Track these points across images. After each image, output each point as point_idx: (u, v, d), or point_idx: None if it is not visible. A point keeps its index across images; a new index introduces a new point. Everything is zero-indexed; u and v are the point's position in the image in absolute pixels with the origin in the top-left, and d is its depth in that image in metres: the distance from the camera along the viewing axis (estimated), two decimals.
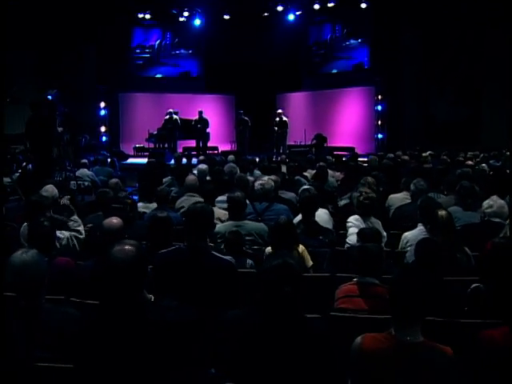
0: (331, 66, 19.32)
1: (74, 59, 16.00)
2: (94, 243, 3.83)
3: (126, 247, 2.32)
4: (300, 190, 5.38)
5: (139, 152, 16.95)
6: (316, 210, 4.70)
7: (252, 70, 18.32)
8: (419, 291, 2.22)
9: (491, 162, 10.95)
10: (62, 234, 4.29)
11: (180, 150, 15.91)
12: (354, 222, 4.60)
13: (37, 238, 3.58)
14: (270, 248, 4.04)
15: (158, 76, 19.73)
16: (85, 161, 10.13)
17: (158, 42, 19.64)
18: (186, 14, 18.13)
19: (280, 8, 17.51)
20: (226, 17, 17.88)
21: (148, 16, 17.96)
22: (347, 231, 4.63)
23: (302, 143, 17.29)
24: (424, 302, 2.23)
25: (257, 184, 5.40)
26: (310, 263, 4.08)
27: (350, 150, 16.20)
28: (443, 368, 2.21)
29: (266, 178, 5.60)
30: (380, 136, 17.17)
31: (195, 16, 18.30)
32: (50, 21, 15.20)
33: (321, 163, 8.19)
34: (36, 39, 15.46)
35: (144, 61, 19.68)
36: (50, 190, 5.48)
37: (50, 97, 8.42)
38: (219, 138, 18.18)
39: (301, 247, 4.06)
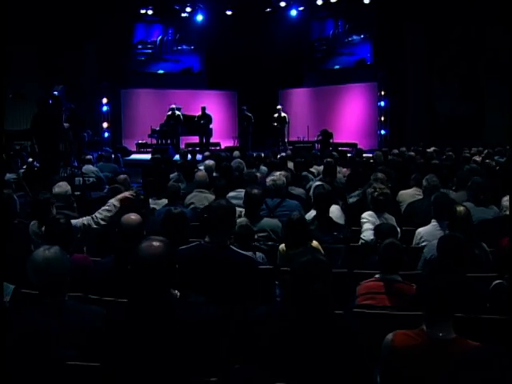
0: (333, 62, 19.28)
1: (75, 55, 15.93)
2: (111, 239, 3.80)
3: (155, 243, 2.29)
4: (313, 186, 5.36)
5: (142, 148, 16.91)
6: (330, 205, 4.68)
7: (254, 65, 18.27)
8: (451, 287, 2.20)
9: (496, 157, 10.93)
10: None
11: (182, 146, 15.88)
12: (368, 218, 4.58)
13: (54, 235, 3.55)
14: (283, 245, 4.02)
15: (160, 72, 19.67)
16: (90, 157, 10.10)
17: (159, 38, 19.57)
18: (188, 9, 18.06)
19: (283, 3, 17.46)
20: (229, 12, 17.81)
21: (150, 12, 17.89)
22: (361, 227, 4.61)
23: (305, 139, 17.27)
24: (456, 298, 2.21)
25: (268, 180, 5.38)
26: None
27: (353, 145, 16.19)
28: (476, 365, 2.19)
29: (277, 173, 5.57)
30: (383, 132, 17.15)
31: (197, 11, 18.24)
32: (51, 17, 15.14)
33: (328, 159, 8.15)
34: (37, 35, 15.39)
35: (146, 57, 19.61)
36: (63, 185, 5.46)
37: (56, 92, 8.37)
38: (221, 134, 18.14)
39: (315, 243, 4.04)
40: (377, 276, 3.27)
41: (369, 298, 3.12)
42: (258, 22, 17.93)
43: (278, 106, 16.56)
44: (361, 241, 4.55)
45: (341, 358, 2.31)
